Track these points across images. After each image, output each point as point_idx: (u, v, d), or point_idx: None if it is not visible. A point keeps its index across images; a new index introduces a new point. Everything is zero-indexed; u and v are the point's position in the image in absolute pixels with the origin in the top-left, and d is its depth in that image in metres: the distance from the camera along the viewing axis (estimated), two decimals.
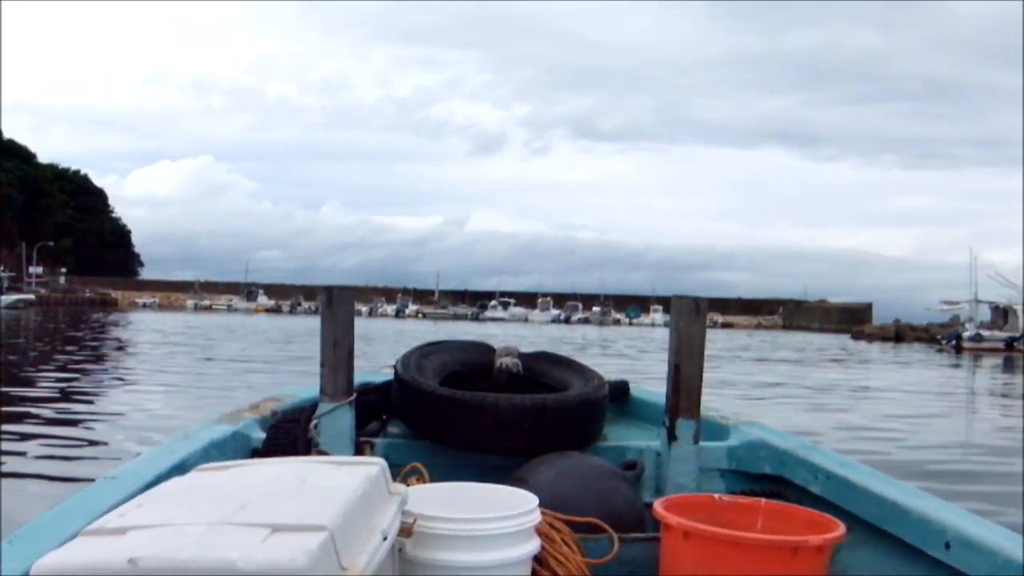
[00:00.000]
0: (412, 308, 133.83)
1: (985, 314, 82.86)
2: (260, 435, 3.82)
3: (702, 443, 3.81)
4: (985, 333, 73.01)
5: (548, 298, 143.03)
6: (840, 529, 2.81)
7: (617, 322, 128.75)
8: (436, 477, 3.13)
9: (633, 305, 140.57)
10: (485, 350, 4.53)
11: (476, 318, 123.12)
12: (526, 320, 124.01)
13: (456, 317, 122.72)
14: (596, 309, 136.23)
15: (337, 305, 3.78)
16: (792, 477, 3.63)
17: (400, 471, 3.06)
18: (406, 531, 2.34)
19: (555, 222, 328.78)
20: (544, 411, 3.69)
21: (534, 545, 2.60)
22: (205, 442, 3.47)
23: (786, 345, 63.28)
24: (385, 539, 2.10)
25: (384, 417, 4.21)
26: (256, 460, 2.84)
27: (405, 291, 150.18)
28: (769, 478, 3.74)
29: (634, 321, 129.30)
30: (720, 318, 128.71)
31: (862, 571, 3.11)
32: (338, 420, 3.75)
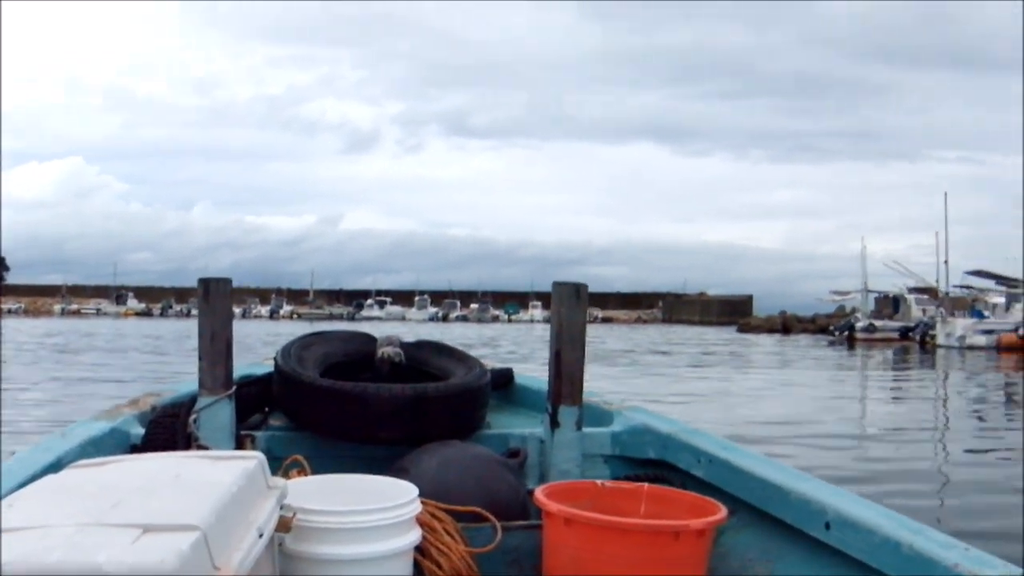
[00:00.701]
0: (287, 309, 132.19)
1: (869, 303, 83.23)
2: (139, 431, 3.74)
3: (585, 429, 3.82)
4: (878, 323, 73.15)
5: (425, 296, 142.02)
6: (721, 512, 2.84)
7: (496, 319, 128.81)
8: (318, 469, 3.09)
9: (511, 302, 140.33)
10: (367, 340, 4.48)
11: (352, 318, 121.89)
12: (403, 319, 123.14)
13: (332, 317, 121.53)
14: (474, 306, 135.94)
15: (214, 297, 3.70)
16: (676, 461, 3.65)
17: (282, 464, 3.02)
18: (284, 526, 2.30)
19: (428, 220, 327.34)
20: (425, 400, 3.67)
21: (415, 536, 2.59)
22: (82, 439, 3.38)
23: (687, 340, 62.61)
24: (261, 536, 2.06)
25: (267, 410, 4.14)
26: (131, 456, 2.76)
27: (279, 291, 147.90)
28: (653, 463, 3.77)
29: (513, 317, 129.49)
30: (600, 313, 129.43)
31: (746, 553, 3.14)
32: (218, 414, 3.67)
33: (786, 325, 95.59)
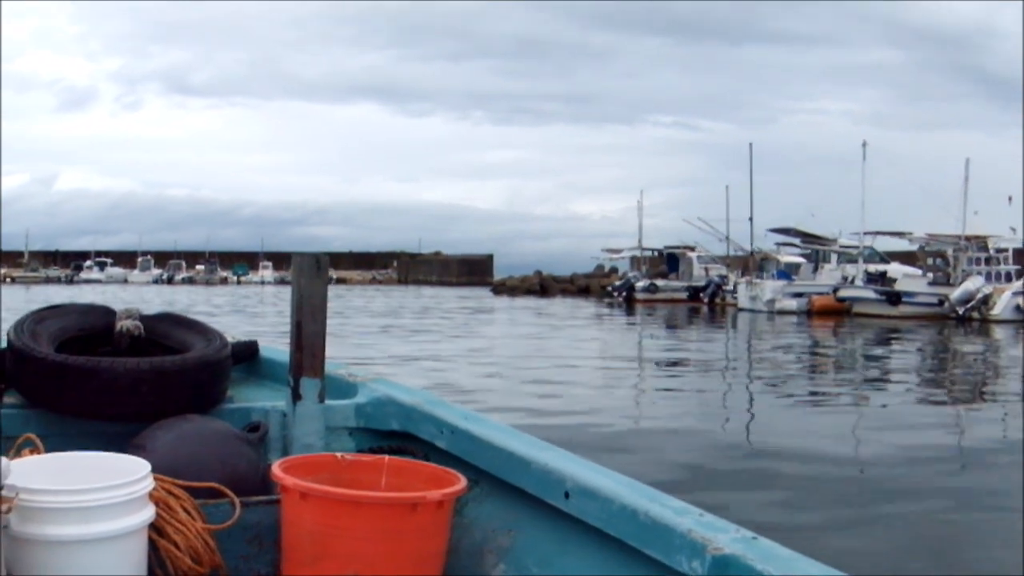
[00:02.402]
0: None
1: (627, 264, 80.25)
2: None
3: (328, 401, 3.77)
4: (660, 283, 69.74)
5: (148, 257, 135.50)
6: (461, 483, 2.87)
7: (225, 280, 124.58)
8: (55, 448, 2.94)
9: (240, 262, 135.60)
10: (105, 313, 4.30)
11: (71, 280, 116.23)
12: (125, 281, 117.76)
13: (49, 280, 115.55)
14: (200, 267, 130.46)
15: None
16: (419, 432, 3.65)
17: (15, 443, 2.87)
18: (5, 507, 2.20)
19: (146, 179, 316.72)
20: (162, 374, 3.55)
21: (148, 514, 2.52)
22: None
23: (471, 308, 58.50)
24: None
25: (2, 387, 3.90)
26: None
27: None
28: (397, 434, 3.76)
29: (243, 279, 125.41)
30: (334, 273, 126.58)
31: (489, 523, 3.16)
32: None
33: (544, 285, 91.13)
